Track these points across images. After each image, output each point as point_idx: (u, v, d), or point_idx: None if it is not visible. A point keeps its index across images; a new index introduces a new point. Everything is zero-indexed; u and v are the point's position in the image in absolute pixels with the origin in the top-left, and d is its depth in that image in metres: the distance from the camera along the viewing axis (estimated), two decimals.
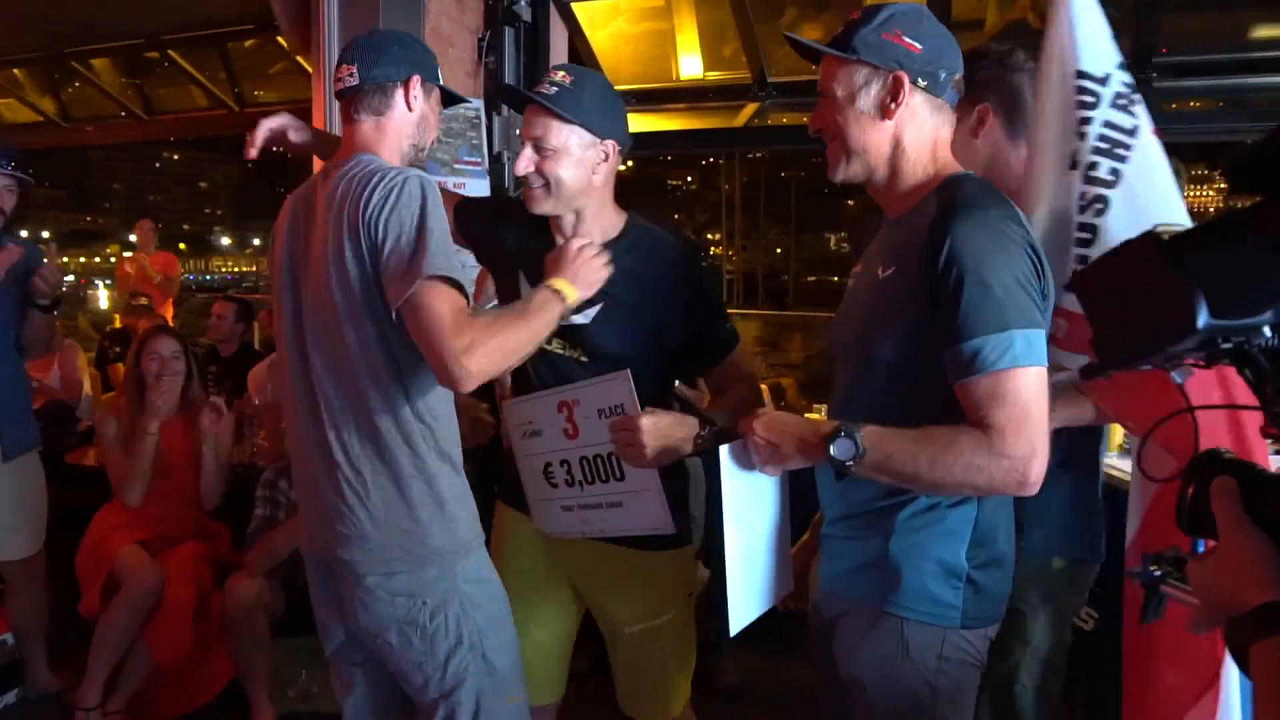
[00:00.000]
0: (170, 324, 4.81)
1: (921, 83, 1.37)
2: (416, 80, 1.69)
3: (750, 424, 1.38)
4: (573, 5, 5.26)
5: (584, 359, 1.77)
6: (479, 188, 4.74)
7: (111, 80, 7.62)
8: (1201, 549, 0.94)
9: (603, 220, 1.81)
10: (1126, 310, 0.82)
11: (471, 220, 1.97)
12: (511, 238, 1.90)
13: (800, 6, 5.59)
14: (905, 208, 1.43)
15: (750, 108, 5.32)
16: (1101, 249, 1.65)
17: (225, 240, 45.99)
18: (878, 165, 1.42)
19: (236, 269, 41.86)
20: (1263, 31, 4.69)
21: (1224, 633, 0.74)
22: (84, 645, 2.77)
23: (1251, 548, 0.72)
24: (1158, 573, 0.90)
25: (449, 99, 1.81)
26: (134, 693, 2.77)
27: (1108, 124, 1.70)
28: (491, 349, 1.49)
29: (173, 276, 6.47)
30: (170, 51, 6.82)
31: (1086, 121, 1.68)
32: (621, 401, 1.61)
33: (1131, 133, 1.70)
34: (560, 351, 1.79)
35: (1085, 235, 1.67)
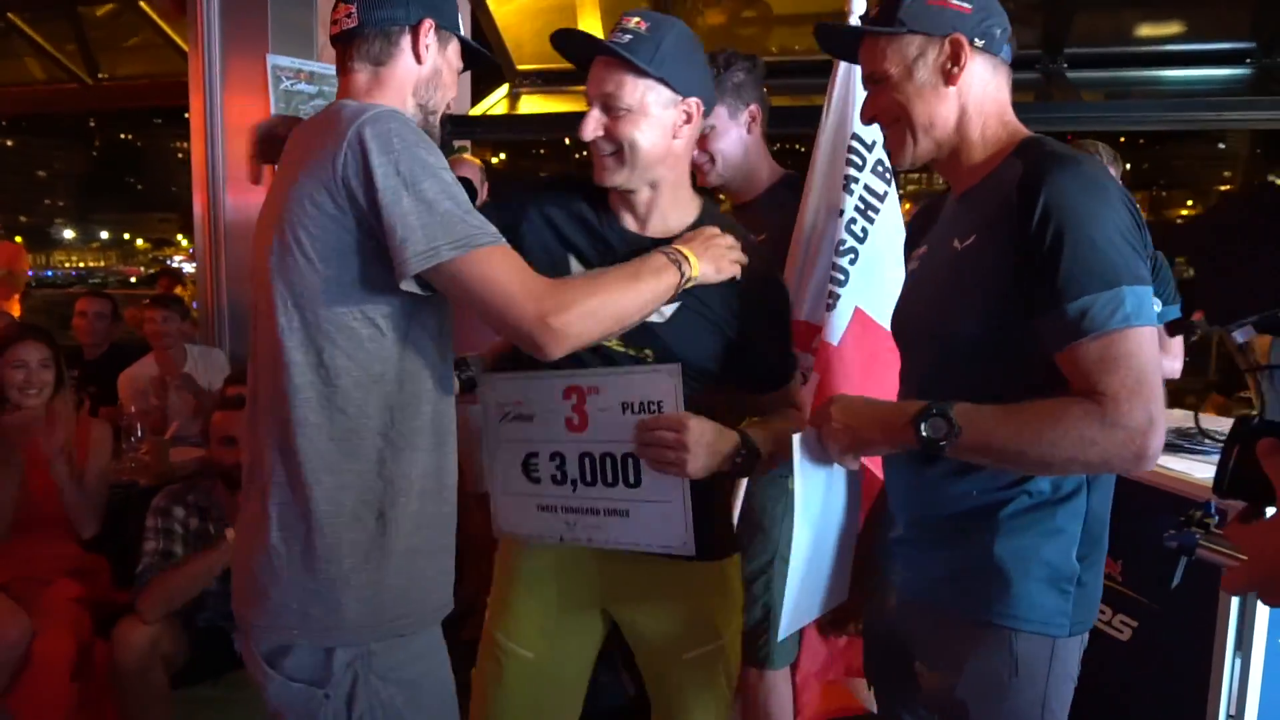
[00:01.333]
0: (21, 323, 4.24)
1: (979, 42, 1.31)
2: (429, 26, 1.37)
3: (826, 410, 1.29)
4: None
5: (657, 362, 1.47)
6: None
7: None
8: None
9: (680, 199, 1.54)
10: (1234, 264, 0.82)
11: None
12: (549, 229, 1.55)
13: None
14: (978, 176, 1.34)
15: None
16: (851, 292, 2.04)
17: (68, 233, 42.85)
18: (945, 138, 1.34)
19: (82, 264, 39.07)
20: (1157, 29, 4.85)
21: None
22: None
23: None
24: (1195, 537, 0.95)
25: (471, 57, 1.49)
26: None
27: (867, 187, 2.07)
28: (590, 309, 1.27)
29: (17, 271, 5.76)
30: (11, 16, 6.08)
31: (853, 180, 2.06)
32: (661, 399, 1.35)
33: (882, 198, 2.09)
34: (621, 350, 1.48)
35: (839, 276, 2.05)
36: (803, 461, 1.31)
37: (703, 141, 1.98)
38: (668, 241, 1.47)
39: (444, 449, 1.38)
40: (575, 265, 1.53)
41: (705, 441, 1.34)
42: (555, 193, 1.58)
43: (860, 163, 2.17)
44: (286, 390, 1.27)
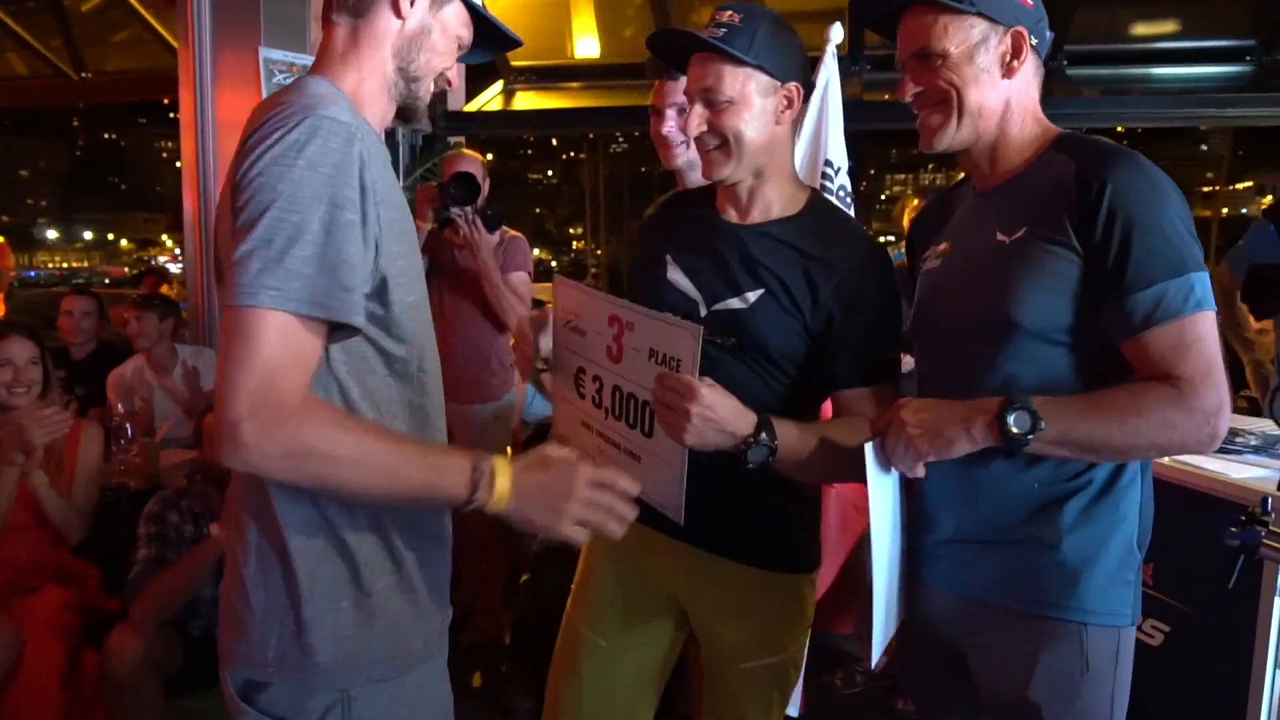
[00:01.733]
0: (6, 320, 4.13)
1: (1034, 40, 1.31)
2: None
3: (896, 417, 1.24)
4: None
5: (739, 349, 1.47)
6: None
7: None
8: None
9: (785, 188, 1.52)
10: None
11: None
12: (657, 231, 1.63)
13: None
14: (1014, 171, 1.34)
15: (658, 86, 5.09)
16: None
17: (51, 233, 42.46)
18: (988, 128, 1.33)
19: (65, 264, 38.73)
20: (1155, 26, 4.83)
21: None
22: None
23: None
24: (1259, 532, 0.95)
25: (483, 26, 1.28)
26: None
27: None
28: (303, 450, 0.99)
29: (1, 270, 5.66)
30: None
31: None
32: (680, 357, 1.28)
33: None
34: (709, 340, 1.38)
35: None
36: (875, 470, 1.27)
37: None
38: (766, 230, 1.48)
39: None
40: (671, 268, 1.54)
41: (713, 416, 1.25)
42: (671, 205, 1.67)
43: (830, 186, 2.35)
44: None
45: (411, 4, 1.19)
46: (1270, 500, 0.98)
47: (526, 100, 5.35)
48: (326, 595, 1.13)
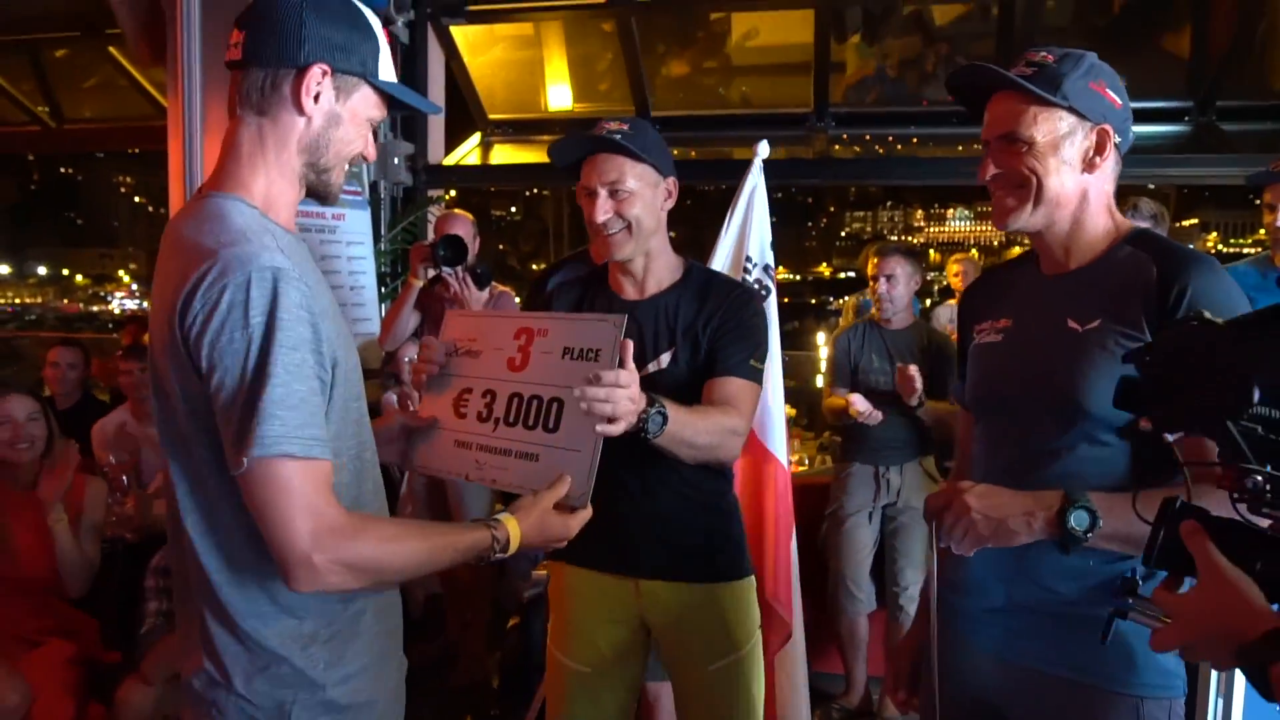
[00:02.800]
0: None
1: (1117, 139, 1.35)
2: (318, 71, 1.19)
3: (960, 499, 1.27)
4: (451, 29, 5.03)
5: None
6: (359, 220, 4.39)
7: None
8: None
9: (669, 260, 1.83)
10: (1185, 383, 0.91)
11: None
12: (565, 303, 1.89)
13: (670, 45, 5.61)
14: (1085, 260, 1.39)
15: None
16: None
17: (3, 269, 41.58)
18: (1062, 216, 1.37)
19: (18, 300, 37.90)
20: None
21: (1235, 658, 0.84)
22: None
23: (1236, 583, 0.85)
24: (1129, 601, 1.05)
25: (395, 101, 1.30)
26: None
27: None
28: (365, 567, 1.13)
29: None
30: None
31: None
32: (600, 347, 1.46)
33: None
34: None
35: None
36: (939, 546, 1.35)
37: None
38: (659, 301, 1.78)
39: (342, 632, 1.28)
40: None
41: (628, 393, 1.39)
42: (566, 287, 1.94)
43: (748, 278, 2.73)
44: (182, 526, 1.23)
45: (316, 100, 1.20)
46: (1141, 572, 1.10)
47: (503, 153, 5.47)
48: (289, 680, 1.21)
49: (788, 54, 5.26)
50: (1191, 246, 1.37)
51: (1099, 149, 1.33)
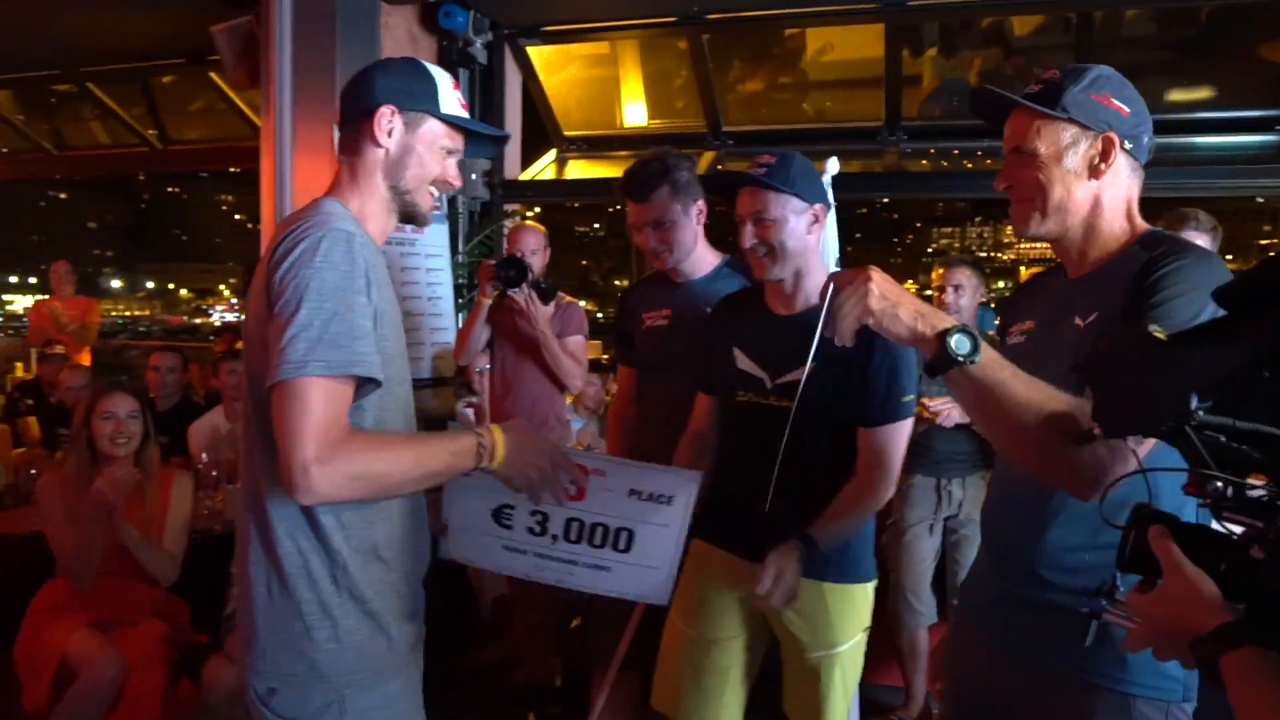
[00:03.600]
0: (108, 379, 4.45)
1: (1127, 145, 1.39)
2: (387, 112, 1.43)
3: (867, 271, 1.30)
4: (527, 49, 5.20)
5: (796, 413, 1.88)
6: (437, 234, 4.57)
7: (12, 112, 7.14)
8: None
9: (817, 279, 1.94)
10: (1125, 391, 0.95)
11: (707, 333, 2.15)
12: (722, 320, 2.12)
13: (743, 60, 5.67)
14: (1099, 263, 1.43)
15: (708, 156, 5.33)
16: None
17: (116, 283, 43.90)
18: (1074, 223, 1.42)
19: (129, 313, 39.96)
20: (1187, 95, 4.94)
21: (1189, 651, 0.88)
22: None
23: (1195, 582, 0.89)
24: (1103, 604, 1.09)
25: (464, 135, 1.52)
26: None
27: None
28: (352, 472, 1.26)
29: (89, 324, 6.02)
30: (89, 84, 6.43)
31: None
32: (673, 494, 1.69)
33: None
34: (775, 404, 1.92)
35: None
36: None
37: (663, 234, 2.35)
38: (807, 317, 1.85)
39: (387, 524, 1.44)
40: (740, 358, 2.00)
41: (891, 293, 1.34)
42: (728, 306, 2.17)
43: None
44: (255, 461, 1.39)
45: (389, 134, 1.44)
46: (1118, 577, 1.12)
47: (578, 168, 5.61)
48: (312, 614, 1.37)
49: (861, 68, 5.26)
50: (1198, 244, 1.37)
51: (1104, 155, 1.37)
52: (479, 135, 1.56)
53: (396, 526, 1.45)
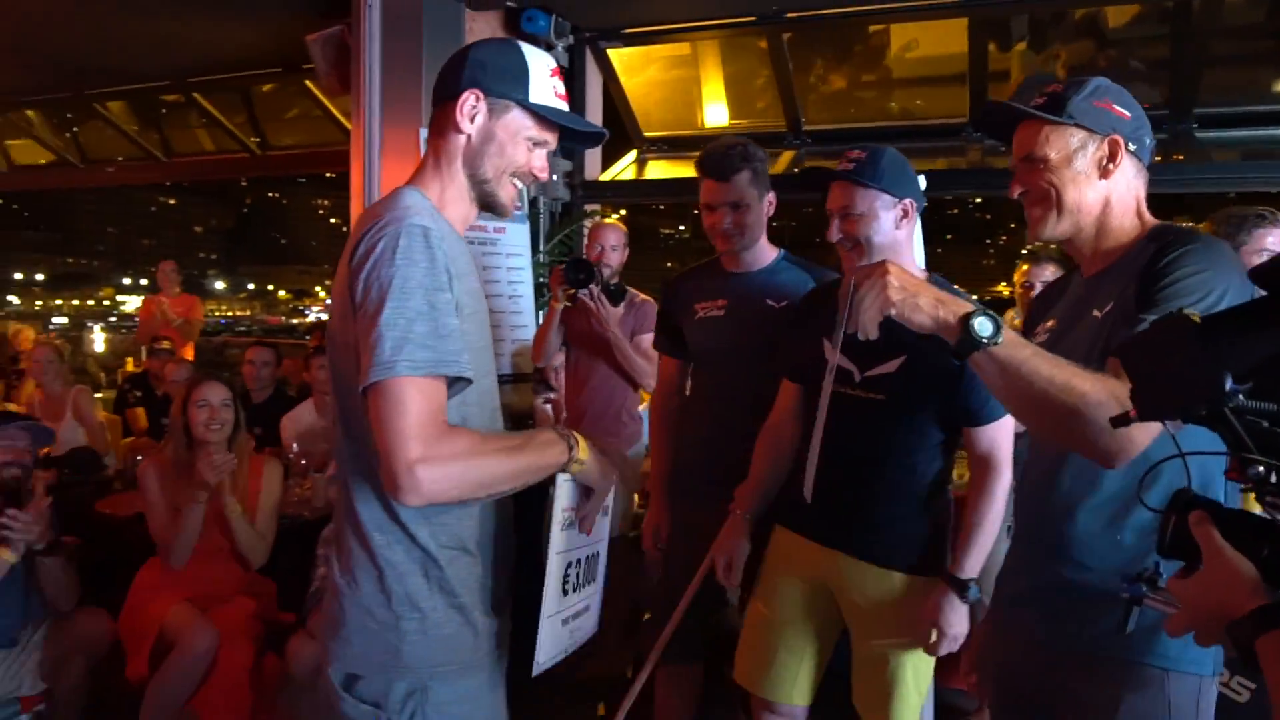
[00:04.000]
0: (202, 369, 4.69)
1: (1131, 146, 1.47)
2: (471, 96, 1.38)
3: (881, 267, 1.36)
4: (608, 51, 5.27)
5: (886, 403, 1.95)
6: (518, 233, 4.67)
7: (126, 122, 7.56)
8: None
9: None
10: (1160, 374, 0.95)
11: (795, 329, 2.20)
12: (812, 312, 2.15)
13: (825, 60, 5.62)
14: (1112, 259, 1.50)
15: (787, 155, 5.31)
16: None
17: (219, 284, 45.90)
18: (1087, 223, 1.49)
19: (230, 313, 41.71)
20: None
21: (1226, 635, 0.88)
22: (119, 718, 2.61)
23: (1236, 565, 0.89)
24: (1142, 589, 1.09)
25: (558, 125, 1.44)
26: None
27: None
28: (456, 473, 1.25)
29: (193, 319, 6.35)
30: (194, 94, 6.76)
31: None
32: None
33: None
34: (864, 396, 1.97)
35: None
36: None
37: (739, 217, 2.37)
38: None
39: (473, 519, 1.43)
40: (829, 351, 1.97)
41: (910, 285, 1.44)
42: (815, 300, 2.23)
43: None
44: (343, 456, 1.40)
45: (471, 120, 1.40)
46: (1161, 562, 1.11)
47: (658, 168, 5.65)
48: (402, 605, 1.36)
49: (946, 65, 5.18)
50: (1203, 234, 1.41)
51: (1111, 156, 1.46)
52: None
53: (484, 520, 1.45)
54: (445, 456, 1.22)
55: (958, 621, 1.89)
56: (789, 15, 4.82)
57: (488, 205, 1.46)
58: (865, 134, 5.32)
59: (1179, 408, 0.92)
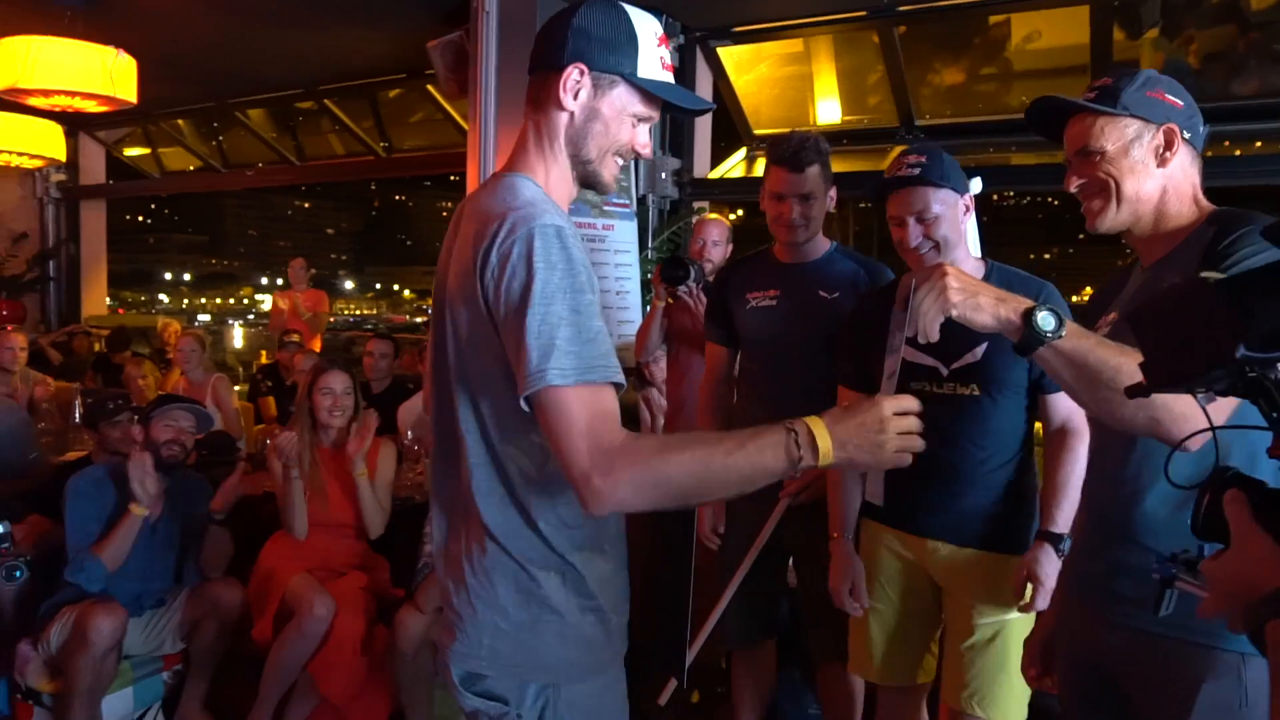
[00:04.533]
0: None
1: (1186, 134, 1.47)
2: (575, 70, 1.29)
3: (939, 269, 1.38)
4: (718, 50, 5.30)
5: (979, 394, 2.00)
6: (626, 230, 4.77)
7: (263, 128, 8.04)
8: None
9: (972, 266, 2.06)
10: (1174, 341, 0.91)
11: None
12: (869, 327, 2.08)
13: (944, 51, 5.50)
14: (1172, 246, 1.49)
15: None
16: None
17: (349, 284, 47.99)
18: (1145, 212, 1.49)
19: (358, 311, 43.53)
20: None
21: (1241, 617, 0.85)
22: (243, 678, 2.82)
23: (1263, 546, 0.85)
24: (1174, 570, 1.05)
25: (662, 102, 1.35)
26: None
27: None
28: (645, 480, 1.15)
29: (320, 313, 6.72)
30: (326, 101, 7.14)
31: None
32: None
33: None
34: (953, 392, 2.02)
35: None
36: None
37: (808, 208, 2.39)
38: None
39: (613, 516, 1.40)
40: (909, 352, 1.96)
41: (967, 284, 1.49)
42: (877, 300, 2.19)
43: None
44: (464, 461, 1.32)
45: (574, 96, 1.30)
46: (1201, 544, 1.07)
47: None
48: (537, 607, 1.32)
49: (1070, 55, 5.01)
50: (1263, 215, 1.35)
51: (1168, 145, 1.46)
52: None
53: (616, 517, 1.40)
54: (623, 462, 1.14)
55: (1054, 574, 1.88)
56: (901, 9, 4.75)
57: (590, 184, 1.39)
58: (983, 128, 5.18)
59: (1189, 375, 0.88)
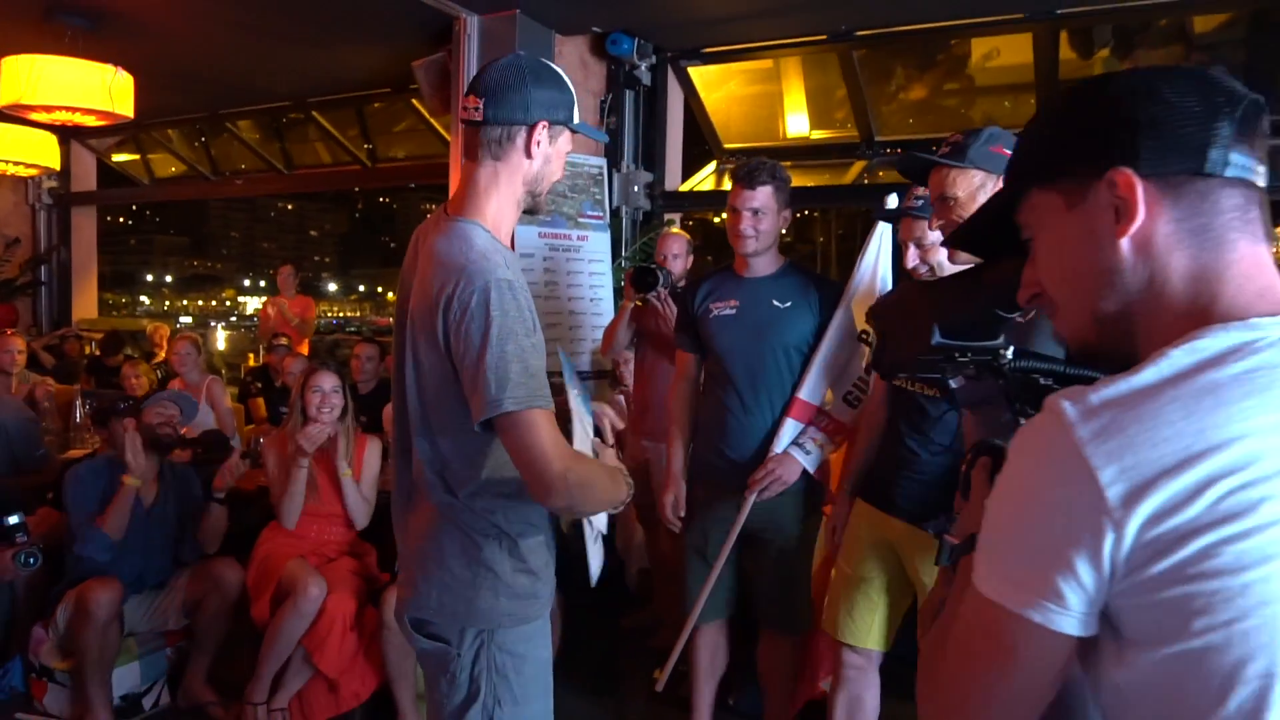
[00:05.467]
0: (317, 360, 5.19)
1: None
2: (543, 126, 1.57)
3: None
4: (689, 69, 5.57)
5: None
6: (600, 240, 5.02)
7: (251, 138, 8.26)
8: None
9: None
10: (901, 331, 1.00)
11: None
12: (902, 325, 2.16)
13: (906, 69, 5.78)
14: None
15: (858, 165, 5.52)
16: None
17: (332, 286, 47.80)
18: None
19: (341, 314, 43.36)
20: None
21: (949, 553, 0.97)
22: (243, 654, 3.07)
23: (977, 501, 0.96)
24: (945, 525, 1.10)
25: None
26: (294, 693, 3.03)
27: None
28: (587, 482, 1.49)
29: (308, 319, 6.92)
30: (314, 112, 7.38)
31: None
32: None
33: None
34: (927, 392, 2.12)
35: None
36: None
37: (758, 221, 2.64)
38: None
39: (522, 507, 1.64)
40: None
41: None
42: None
43: None
44: (415, 456, 1.62)
45: (539, 146, 1.58)
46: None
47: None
48: (482, 567, 1.59)
49: (1029, 73, 5.29)
50: None
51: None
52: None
53: (536, 510, 1.65)
54: (576, 468, 1.46)
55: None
56: (859, 33, 5.04)
57: (534, 210, 1.68)
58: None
59: (906, 365, 1.01)
